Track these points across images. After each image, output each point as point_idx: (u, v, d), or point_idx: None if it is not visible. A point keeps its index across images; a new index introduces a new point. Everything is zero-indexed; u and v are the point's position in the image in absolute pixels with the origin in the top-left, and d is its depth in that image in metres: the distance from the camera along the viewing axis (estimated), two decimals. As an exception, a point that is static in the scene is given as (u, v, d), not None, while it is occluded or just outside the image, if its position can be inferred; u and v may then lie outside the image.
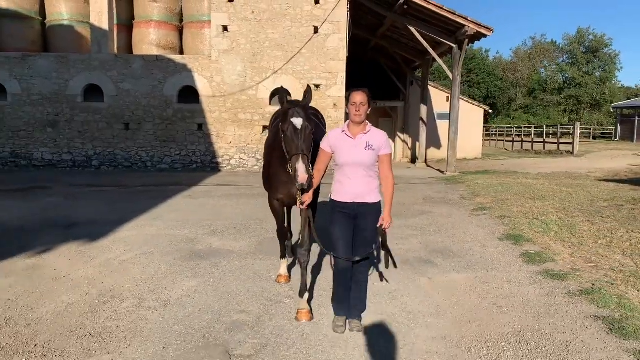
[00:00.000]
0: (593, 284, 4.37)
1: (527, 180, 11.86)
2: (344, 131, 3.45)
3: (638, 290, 4.20)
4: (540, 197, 8.87)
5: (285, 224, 4.62)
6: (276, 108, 13.57)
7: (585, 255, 5.30)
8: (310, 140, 3.46)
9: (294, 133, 3.38)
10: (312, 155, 3.53)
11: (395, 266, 3.56)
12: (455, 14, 13.85)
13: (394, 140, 22.34)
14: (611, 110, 44.48)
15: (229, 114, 14.20)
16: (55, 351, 3.19)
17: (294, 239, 5.34)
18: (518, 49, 58.32)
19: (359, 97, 3.38)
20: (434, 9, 13.83)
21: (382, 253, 3.66)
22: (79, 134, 14.17)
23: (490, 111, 33.52)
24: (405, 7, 14.23)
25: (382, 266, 4.09)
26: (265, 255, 5.38)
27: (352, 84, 15.51)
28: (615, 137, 37.55)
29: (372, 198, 3.44)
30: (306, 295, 3.79)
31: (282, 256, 4.63)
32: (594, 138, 41.84)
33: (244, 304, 3.99)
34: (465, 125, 21.29)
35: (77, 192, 10.03)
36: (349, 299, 3.55)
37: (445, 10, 13.82)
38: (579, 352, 3.19)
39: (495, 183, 11.32)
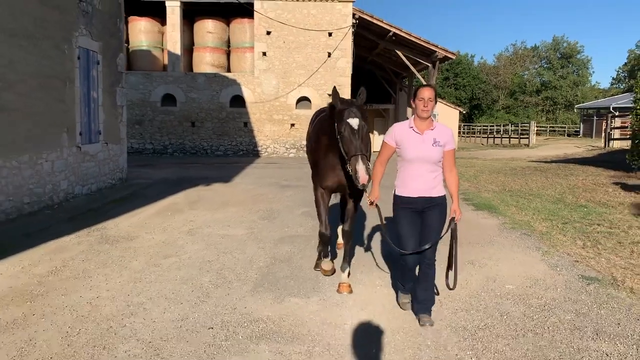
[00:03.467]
0: (473, 195, 9.85)
1: (476, 161, 17.38)
2: (411, 127, 3.42)
3: (490, 197, 9.67)
4: (472, 167, 14.42)
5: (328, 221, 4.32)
6: (300, 111, 19.12)
7: (476, 186, 10.80)
8: (368, 139, 3.54)
9: (351, 133, 3.43)
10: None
11: (455, 280, 3.47)
12: (429, 43, 19.40)
13: (386, 136, 27.88)
14: (575, 111, 50.29)
15: (266, 115, 19.63)
16: (257, 203, 8.59)
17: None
18: (500, 55, 63.94)
19: (427, 92, 3.35)
20: (414, 39, 19.36)
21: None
22: (158, 130, 19.57)
23: (464, 112, 39.09)
24: (394, 37, 19.75)
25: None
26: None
27: (354, 90, 21.03)
28: (580, 134, 43.27)
29: (438, 192, 3.46)
30: (347, 270, 4.10)
31: (325, 255, 4.55)
32: (569, 135, 47.53)
33: (318, 197, 9.42)
34: (444, 124, 26.82)
35: (179, 167, 15.36)
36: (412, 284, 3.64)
37: (422, 40, 19.35)
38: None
39: (453, 162, 16.80)
